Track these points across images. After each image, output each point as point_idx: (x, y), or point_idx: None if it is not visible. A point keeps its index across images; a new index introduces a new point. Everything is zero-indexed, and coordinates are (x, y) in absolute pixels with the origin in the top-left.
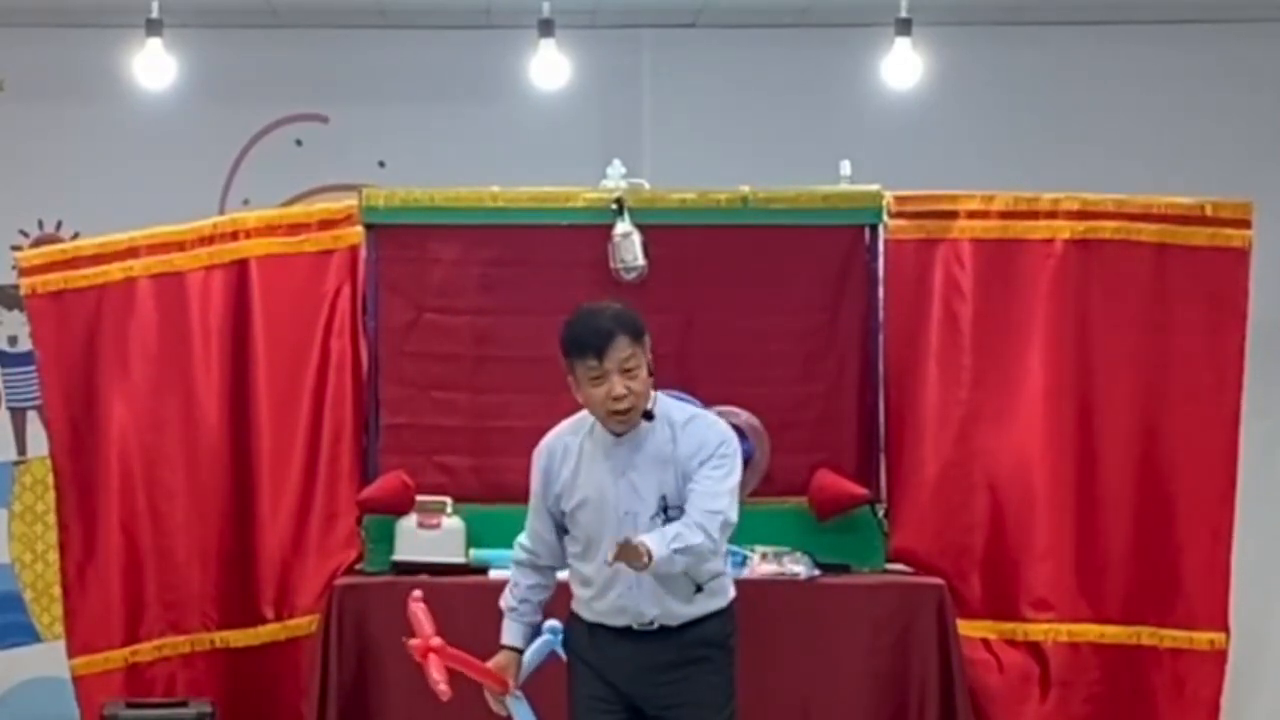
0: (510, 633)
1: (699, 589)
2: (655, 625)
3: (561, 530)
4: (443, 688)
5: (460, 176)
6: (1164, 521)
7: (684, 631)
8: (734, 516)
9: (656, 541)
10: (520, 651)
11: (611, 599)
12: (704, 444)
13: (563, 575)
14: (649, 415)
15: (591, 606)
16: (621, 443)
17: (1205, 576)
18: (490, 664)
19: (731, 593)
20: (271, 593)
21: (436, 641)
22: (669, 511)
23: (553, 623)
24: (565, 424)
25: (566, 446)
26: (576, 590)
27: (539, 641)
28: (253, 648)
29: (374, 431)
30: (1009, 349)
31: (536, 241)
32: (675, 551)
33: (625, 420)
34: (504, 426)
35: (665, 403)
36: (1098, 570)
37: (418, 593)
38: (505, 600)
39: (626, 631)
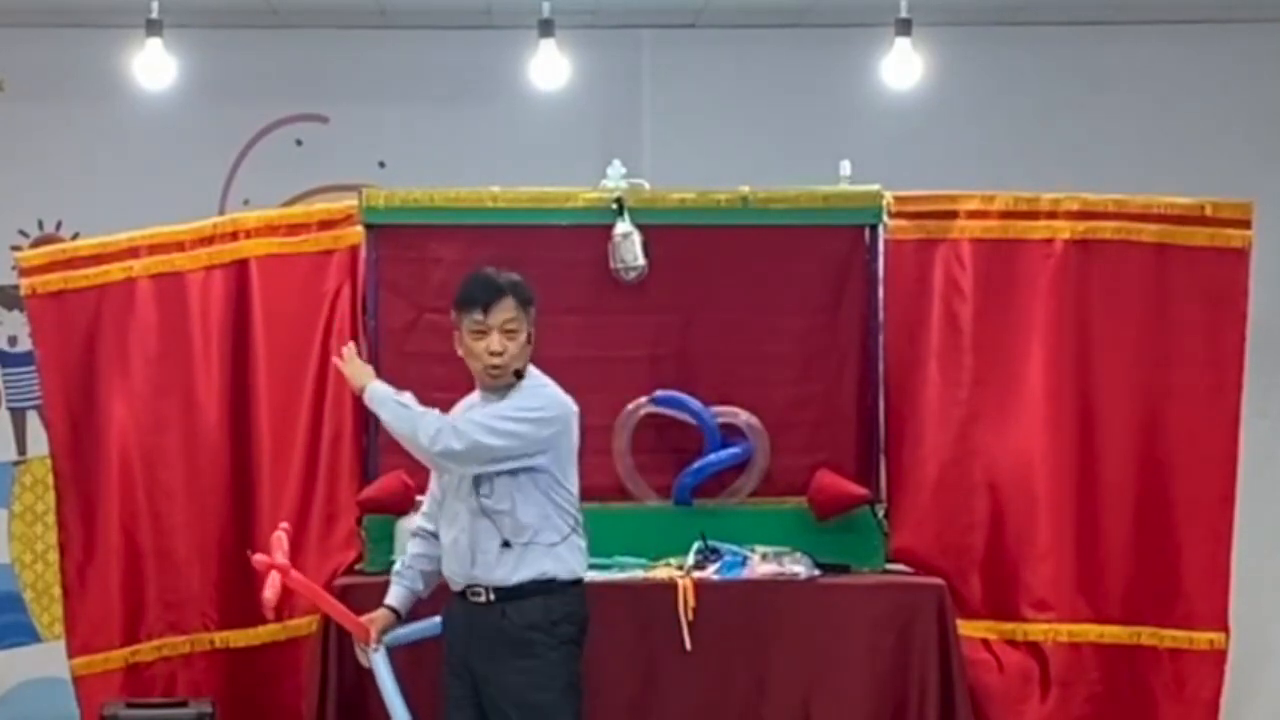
0: (390, 593)
1: (506, 544)
2: (482, 595)
3: None
4: (270, 598)
5: (460, 176)
6: (1164, 521)
7: (506, 606)
8: (486, 442)
9: (385, 386)
10: (395, 612)
11: (448, 544)
12: (518, 395)
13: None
14: (519, 373)
15: (446, 565)
16: (489, 398)
17: (1205, 577)
18: (365, 617)
19: (569, 574)
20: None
21: (283, 562)
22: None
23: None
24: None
25: (463, 405)
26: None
27: (428, 622)
28: (253, 648)
29: (374, 431)
30: (1009, 349)
31: (536, 241)
32: (396, 402)
33: (498, 375)
34: None
35: (535, 374)
36: (1098, 570)
37: (285, 525)
38: (396, 564)
39: (463, 599)
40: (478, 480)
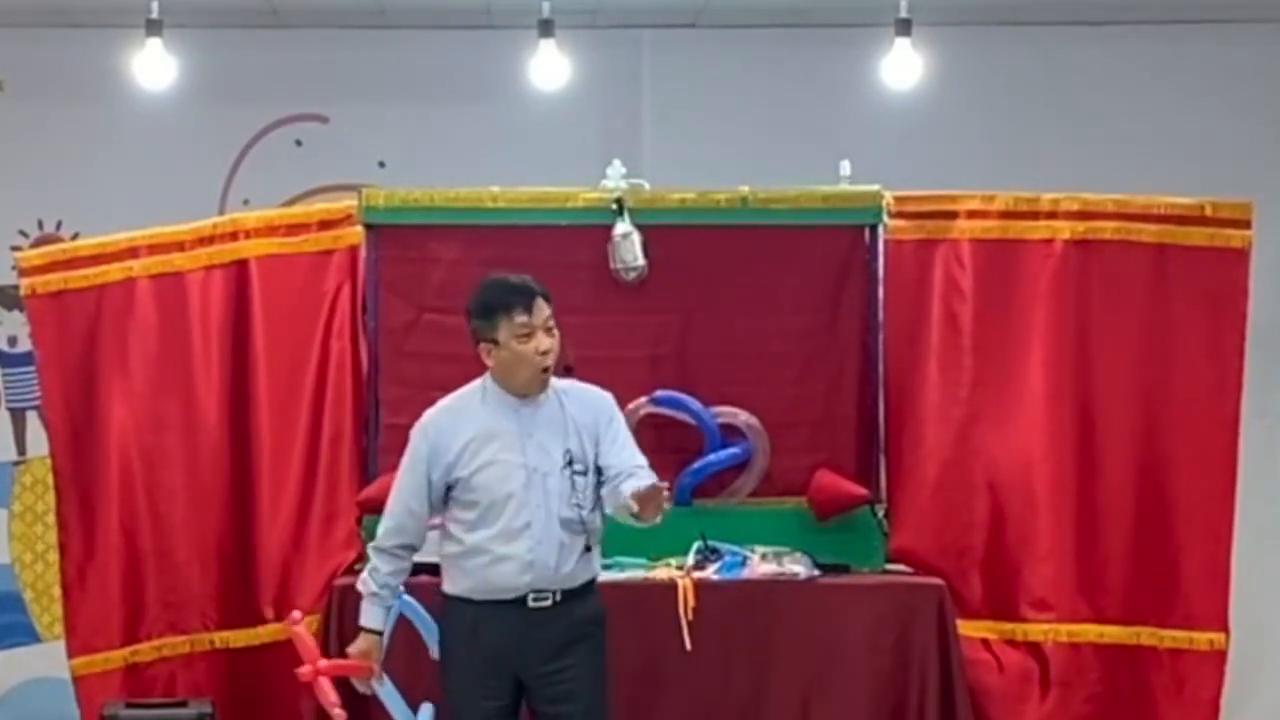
0: (371, 616)
1: (588, 548)
2: (548, 599)
3: (437, 508)
4: (338, 711)
5: (460, 176)
6: (1164, 522)
7: (571, 607)
8: None
9: (651, 479)
10: (381, 634)
11: (519, 556)
12: (600, 407)
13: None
14: (569, 369)
15: (487, 577)
16: (525, 404)
17: (1205, 577)
18: (353, 649)
19: (599, 565)
20: (271, 593)
21: (324, 664)
22: (574, 465)
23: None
24: (444, 402)
25: (457, 417)
26: (461, 568)
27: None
28: (253, 648)
29: (374, 431)
30: (1009, 349)
31: (536, 241)
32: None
33: (547, 376)
34: None
35: (554, 380)
36: (1098, 570)
37: (296, 614)
38: (365, 585)
39: (516, 608)
40: (574, 486)
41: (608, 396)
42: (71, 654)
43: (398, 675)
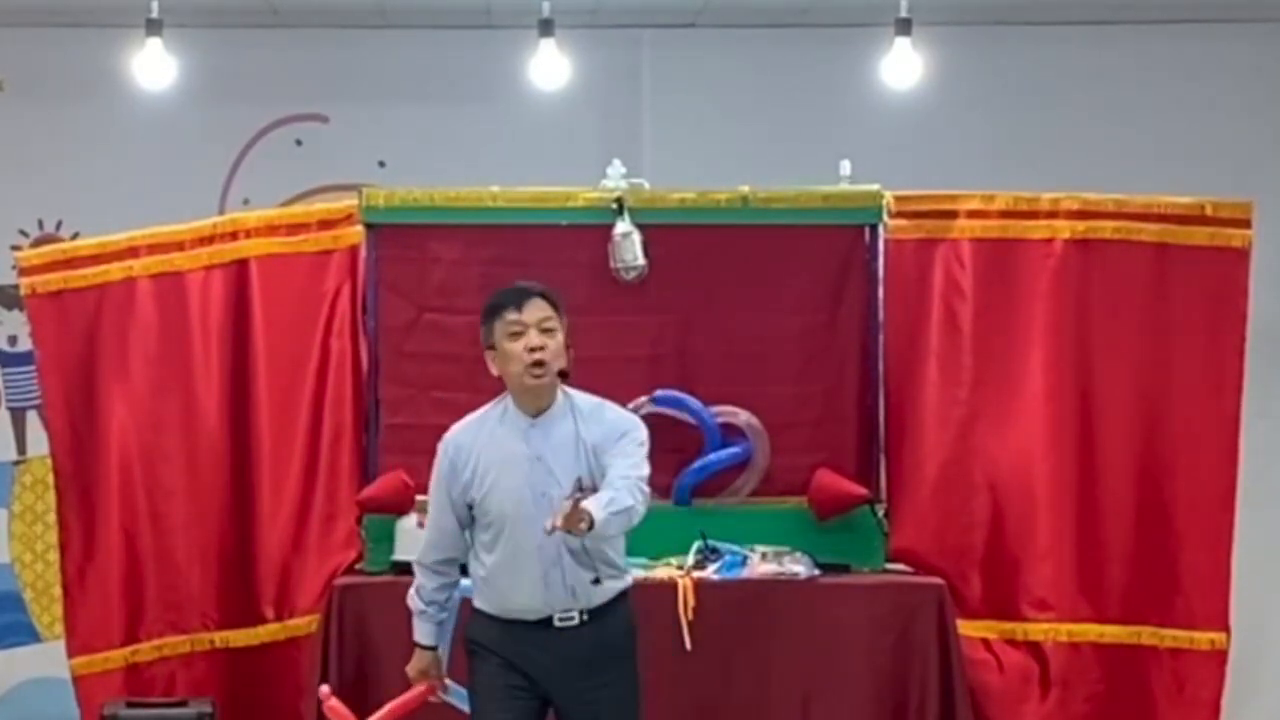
0: (424, 632)
1: (597, 580)
2: (575, 619)
3: (467, 523)
4: None
5: (460, 176)
6: (1164, 521)
7: (600, 626)
8: (649, 490)
9: (594, 505)
10: (435, 648)
11: (534, 579)
12: (615, 426)
13: None
14: (564, 374)
15: (506, 598)
16: (536, 425)
17: (1205, 576)
18: (410, 668)
19: (629, 576)
20: (271, 593)
21: (378, 715)
22: (584, 492)
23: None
24: (469, 418)
25: (474, 436)
26: (484, 586)
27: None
28: (253, 648)
29: (374, 431)
30: (1009, 349)
31: (536, 241)
32: (612, 514)
33: (542, 374)
34: None
35: (574, 392)
36: (1098, 570)
37: (325, 688)
38: (414, 602)
39: (545, 627)
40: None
41: (629, 417)
42: (71, 654)
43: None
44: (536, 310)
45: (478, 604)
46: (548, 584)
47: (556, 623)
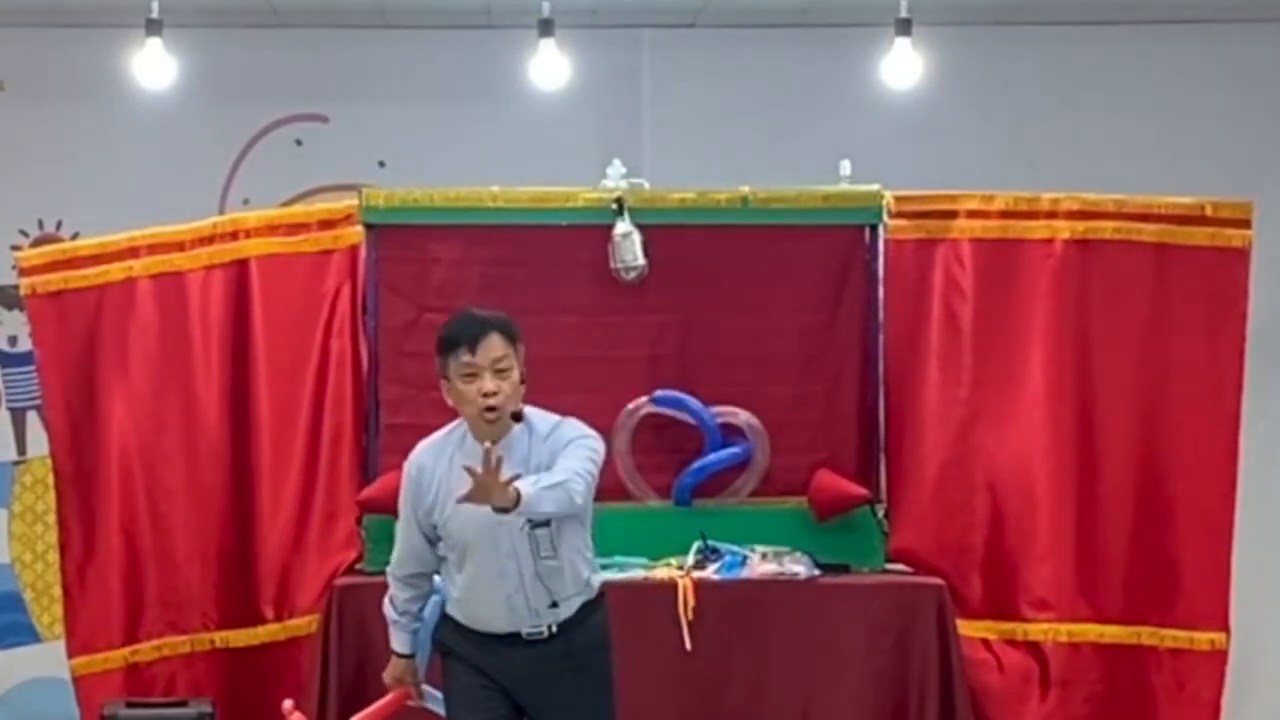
0: (399, 641)
1: (554, 604)
2: (544, 632)
3: (435, 539)
4: None
5: (460, 176)
6: (1164, 521)
7: (570, 637)
8: (592, 488)
9: (523, 483)
10: (411, 656)
11: (499, 601)
12: (565, 437)
13: None
14: (517, 416)
15: (474, 613)
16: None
17: (1205, 576)
18: (386, 675)
19: (597, 581)
20: (271, 593)
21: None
22: (533, 520)
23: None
24: (434, 437)
25: (436, 460)
26: (456, 598)
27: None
28: (253, 648)
29: (374, 431)
30: (1009, 349)
31: (536, 241)
32: (544, 489)
33: (495, 418)
34: None
35: (533, 413)
36: (1098, 570)
37: (289, 703)
38: (388, 612)
39: (515, 640)
40: (536, 544)
41: (584, 431)
42: (71, 654)
43: None
44: (491, 350)
45: (450, 611)
46: (511, 607)
47: (525, 635)
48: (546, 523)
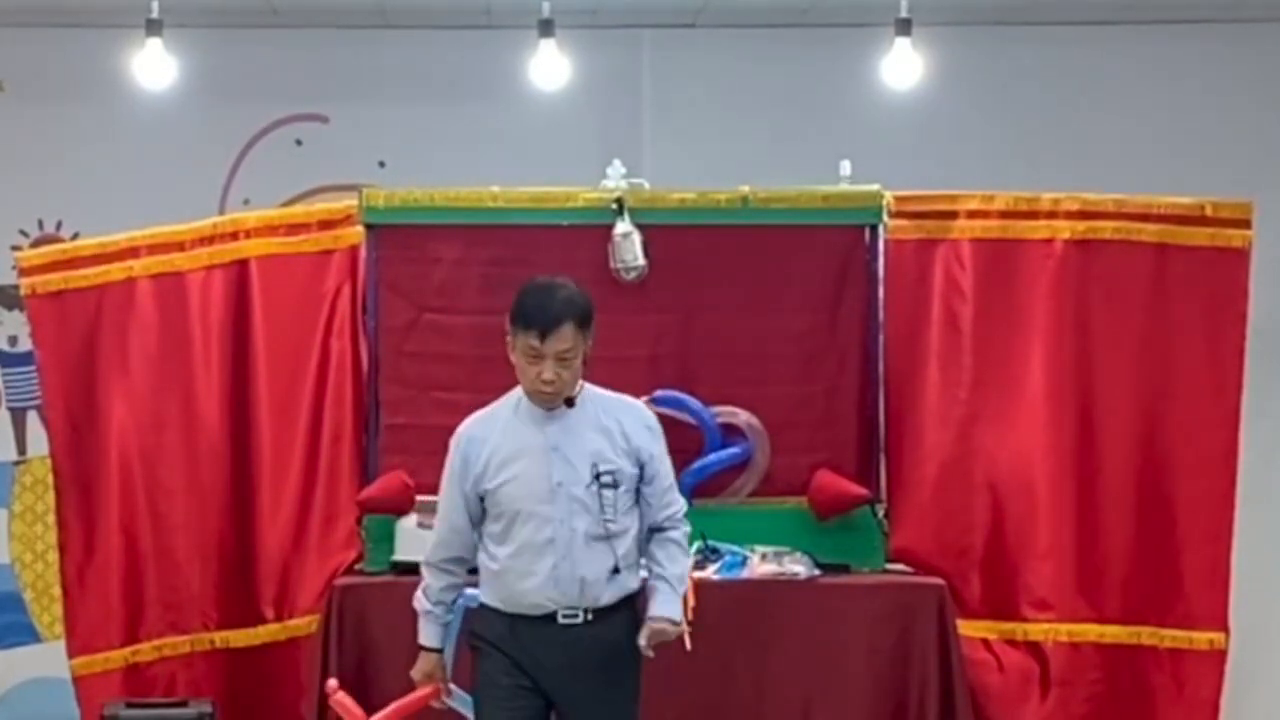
0: (429, 634)
1: (616, 570)
2: (579, 617)
3: (478, 519)
4: None
5: (460, 176)
6: (1164, 521)
7: (604, 628)
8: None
9: (671, 606)
10: (440, 651)
11: (543, 572)
12: (646, 423)
13: None
14: (570, 402)
15: (514, 591)
16: (552, 416)
17: (1205, 576)
18: (415, 671)
19: (636, 583)
20: (271, 593)
21: (379, 716)
22: (601, 479)
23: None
24: (481, 412)
25: (487, 428)
26: (493, 578)
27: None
28: (253, 648)
29: (374, 431)
30: (1009, 349)
31: (536, 241)
32: (679, 577)
33: (549, 400)
34: None
35: (589, 389)
36: (1098, 570)
37: (333, 682)
38: (420, 603)
39: (549, 623)
40: (601, 503)
41: (649, 414)
42: (71, 654)
43: None
44: (559, 342)
45: (485, 599)
46: (558, 577)
47: (561, 619)
48: (615, 484)
